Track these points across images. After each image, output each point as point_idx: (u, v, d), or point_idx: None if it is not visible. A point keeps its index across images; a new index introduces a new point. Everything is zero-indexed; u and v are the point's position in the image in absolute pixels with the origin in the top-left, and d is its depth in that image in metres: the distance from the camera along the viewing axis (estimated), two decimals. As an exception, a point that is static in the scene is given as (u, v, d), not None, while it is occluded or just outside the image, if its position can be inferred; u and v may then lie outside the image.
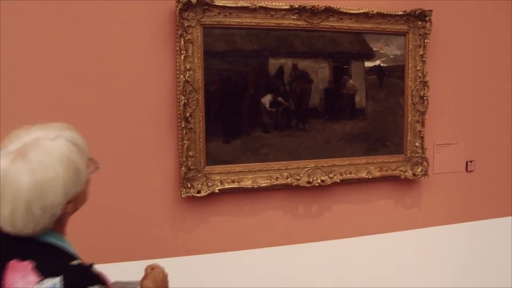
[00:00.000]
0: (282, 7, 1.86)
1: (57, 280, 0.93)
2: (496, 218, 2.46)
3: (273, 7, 1.85)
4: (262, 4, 1.83)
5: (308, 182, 1.98)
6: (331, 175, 2.02)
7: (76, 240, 1.72)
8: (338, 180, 2.03)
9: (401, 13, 2.04)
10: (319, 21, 1.93)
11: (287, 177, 1.96)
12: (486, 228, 2.43)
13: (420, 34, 2.09)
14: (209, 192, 1.84)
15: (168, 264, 1.85)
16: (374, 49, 2.05)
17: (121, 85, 1.74)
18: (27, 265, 0.96)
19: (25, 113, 1.64)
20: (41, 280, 0.93)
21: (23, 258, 0.97)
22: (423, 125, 2.14)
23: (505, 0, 2.34)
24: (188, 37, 1.75)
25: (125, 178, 1.77)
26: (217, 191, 1.85)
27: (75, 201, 1.06)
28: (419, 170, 2.17)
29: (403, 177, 2.15)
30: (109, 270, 1.79)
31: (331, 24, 1.95)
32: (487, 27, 2.32)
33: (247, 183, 1.90)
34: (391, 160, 2.13)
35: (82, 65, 1.68)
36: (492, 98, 2.37)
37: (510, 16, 2.36)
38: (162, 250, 1.85)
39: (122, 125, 1.75)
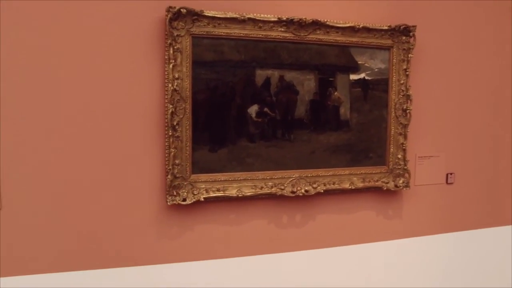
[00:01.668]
0: (270, 19, 1.89)
1: None
2: (475, 230, 2.51)
3: (261, 19, 1.88)
4: (251, 15, 1.86)
5: (292, 192, 2.01)
6: (315, 185, 2.05)
7: (61, 246, 1.73)
8: (322, 191, 2.05)
9: (386, 28, 2.08)
10: (306, 34, 1.97)
11: (272, 187, 1.98)
12: (465, 239, 2.48)
13: (404, 49, 2.14)
14: (194, 200, 1.85)
15: (153, 272, 1.87)
16: (359, 62, 2.09)
17: (109, 92, 1.74)
18: None
19: (14, 119, 1.63)
20: None
21: None
22: (405, 137, 2.19)
23: (488, 17, 2.41)
24: (177, 46, 1.77)
25: (111, 184, 1.78)
26: (202, 199, 1.86)
27: None
28: (401, 181, 2.21)
29: (385, 188, 2.19)
30: (95, 277, 1.81)
31: (318, 37, 1.99)
32: (470, 43, 2.38)
33: (232, 192, 1.91)
34: (374, 172, 2.17)
35: (71, 72, 1.69)
36: (472, 113, 2.43)
37: (492, 33, 2.43)
38: (147, 257, 1.85)
39: (109, 132, 1.76)
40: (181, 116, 1.81)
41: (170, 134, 1.79)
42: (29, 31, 1.63)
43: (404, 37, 2.13)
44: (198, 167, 1.86)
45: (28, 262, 1.70)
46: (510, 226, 2.60)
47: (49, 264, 1.73)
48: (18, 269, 1.69)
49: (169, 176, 1.81)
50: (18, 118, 1.64)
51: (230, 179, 1.91)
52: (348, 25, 2.01)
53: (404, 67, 2.15)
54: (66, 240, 1.74)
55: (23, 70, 1.63)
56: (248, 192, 1.94)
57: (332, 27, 1.99)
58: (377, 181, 2.17)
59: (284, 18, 1.91)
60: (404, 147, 2.19)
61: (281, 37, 1.93)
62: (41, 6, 1.63)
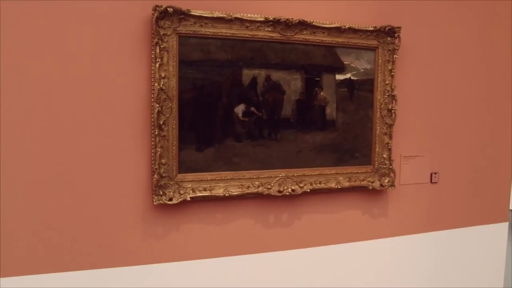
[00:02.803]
0: (257, 19, 1.90)
1: None
2: (459, 228, 2.55)
3: (248, 18, 1.88)
4: (238, 15, 1.86)
5: (279, 191, 2.01)
6: (301, 185, 2.06)
7: (46, 246, 1.71)
8: (308, 190, 2.06)
9: (372, 28, 2.10)
10: (292, 34, 1.97)
11: (259, 186, 1.99)
12: (449, 238, 2.52)
13: (389, 50, 2.16)
14: (181, 199, 1.84)
15: (139, 272, 1.86)
16: (345, 62, 2.10)
17: (95, 91, 1.73)
18: None
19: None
20: None
21: None
22: (390, 137, 2.21)
23: (472, 18, 2.44)
24: (164, 45, 1.76)
25: (97, 184, 1.76)
26: (189, 199, 1.85)
27: None
28: (386, 181, 2.23)
29: (371, 187, 2.20)
30: (80, 278, 1.79)
31: (304, 37, 2.00)
32: (454, 44, 2.42)
33: (219, 191, 1.91)
34: (359, 171, 2.19)
35: (56, 71, 1.67)
36: (456, 113, 2.46)
37: (476, 33, 2.47)
38: (133, 257, 1.84)
39: (95, 131, 1.74)
40: (168, 115, 1.80)
41: (156, 133, 1.79)
42: (14, 30, 1.61)
43: (389, 38, 2.15)
44: (185, 167, 1.86)
45: (15, 263, 1.68)
46: (494, 224, 2.64)
47: (33, 266, 1.71)
48: (8, 270, 1.67)
49: (155, 176, 1.80)
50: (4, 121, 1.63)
51: (216, 179, 1.91)
52: (334, 25, 2.03)
53: (389, 67, 2.17)
54: (49, 241, 1.72)
55: (7, 70, 1.61)
56: (234, 191, 1.94)
57: (319, 27, 2.00)
58: (363, 180, 2.19)
59: (271, 18, 1.91)
60: (389, 147, 2.21)
61: (267, 37, 1.94)
62: (24, 6, 1.62)
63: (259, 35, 1.92)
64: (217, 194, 1.90)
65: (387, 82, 2.18)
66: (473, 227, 2.59)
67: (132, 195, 1.82)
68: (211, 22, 1.83)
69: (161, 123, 1.78)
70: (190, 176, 1.87)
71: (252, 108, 1.96)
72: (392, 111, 2.19)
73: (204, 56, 1.85)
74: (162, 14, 1.74)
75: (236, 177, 1.95)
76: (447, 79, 2.42)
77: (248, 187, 1.97)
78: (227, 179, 1.93)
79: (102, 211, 1.78)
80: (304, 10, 2.02)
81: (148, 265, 1.86)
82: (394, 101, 2.19)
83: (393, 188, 2.25)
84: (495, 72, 2.55)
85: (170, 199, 1.83)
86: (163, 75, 1.77)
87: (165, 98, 1.79)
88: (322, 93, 2.08)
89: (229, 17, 1.84)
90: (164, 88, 1.78)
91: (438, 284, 2.51)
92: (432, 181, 2.44)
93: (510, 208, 2.74)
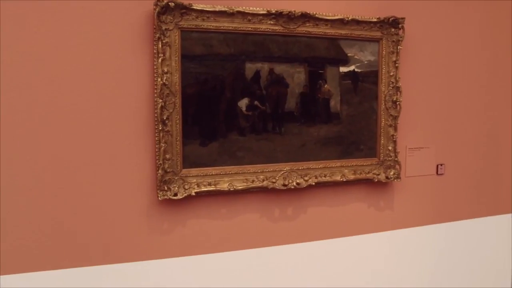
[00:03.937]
0: (259, 12, 1.88)
1: None
2: (465, 220, 2.53)
3: (250, 12, 1.87)
4: (240, 8, 1.85)
5: (284, 185, 2.01)
6: (306, 178, 2.05)
7: (50, 243, 1.71)
8: (313, 183, 2.06)
9: (375, 20, 2.09)
10: (295, 27, 1.96)
11: (263, 180, 1.98)
12: (456, 229, 2.51)
13: (393, 41, 2.14)
14: (185, 195, 1.84)
15: (144, 268, 1.87)
16: (349, 54, 2.09)
17: (98, 87, 1.72)
18: None
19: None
20: None
21: None
22: (395, 129, 2.20)
23: (476, 9, 2.42)
24: (166, 40, 1.76)
25: (101, 180, 1.76)
26: (193, 194, 1.85)
27: None
28: (391, 173, 2.22)
29: (376, 180, 2.19)
30: (85, 274, 1.80)
31: (307, 29, 1.98)
32: (458, 34, 2.39)
33: (224, 186, 1.91)
34: (365, 164, 2.18)
35: (58, 67, 1.67)
36: (461, 104, 2.44)
37: (480, 24, 2.44)
38: (138, 253, 1.84)
39: (99, 128, 1.74)
40: (171, 111, 1.80)
41: (160, 128, 1.78)
42: (14, 26, 1.61)
43: (393, 29, 2.13)
44: (189, 162, 1.85)
45: (20, 260, 1.69)
46: (501, 215, 2.63)
47: (37, 263, 1.71)
48: (10, 267, 1.68)
49: (159, 171, 1.80)
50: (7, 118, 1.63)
51: (221, 173, 1.91)
52: (337, 17, 2.01)
53: (394, 59, 2.15)
54: (55, 237, 1.73)
55: (9, 66, 1.61)
56: (239, 186, 1.93)
57: (321, 19, 1.99)
58: (368, 173, 2.18)
59: (273, 11, 1.90)
60: (394, 139, 2.20)
61: (270, 30, 1.92)
62: (24, 2, 1.61)
63: (261, 28, 1.91)
64: (222, 189, 1.90)
65: (391, 73, 2.16)
66: (480, 219, 2.58)
67: (136, 191, 1.82)
68: (213, 16, 1.82)
69: (165, 118, 1.78)
70: (194, 171, 1.87)
71: (256, 102, 1.95)
72: (397, 102, 2.18)
73: (206, 50, 1.84)
74: (164, 9, 1.73)
75: (240, 172, 1.94)
76: (452, 70, 2.40)
77: (253, 181, 1.96)
78: (231, 173, 1.92)
79: (106, 207, 1.78)
80: (307, 2, 2.01)
81: (153, 260, 1.86)
82: (398, 93, 2.17)
83: (398, 180, 2.24)
84: (500, 63, 2.53)
85: (175, 194, 1.83)
86: (165, 70, 1.77)
87: (168, 93, 1.78)
88: (326, 85, 2.07)
89: (231, 11, 1.83)
90: (167, 83, 1.77)
91: (444, 276, 2.50)
92: (438, 172, 2.43)
93: (517, 199, 2.73)
